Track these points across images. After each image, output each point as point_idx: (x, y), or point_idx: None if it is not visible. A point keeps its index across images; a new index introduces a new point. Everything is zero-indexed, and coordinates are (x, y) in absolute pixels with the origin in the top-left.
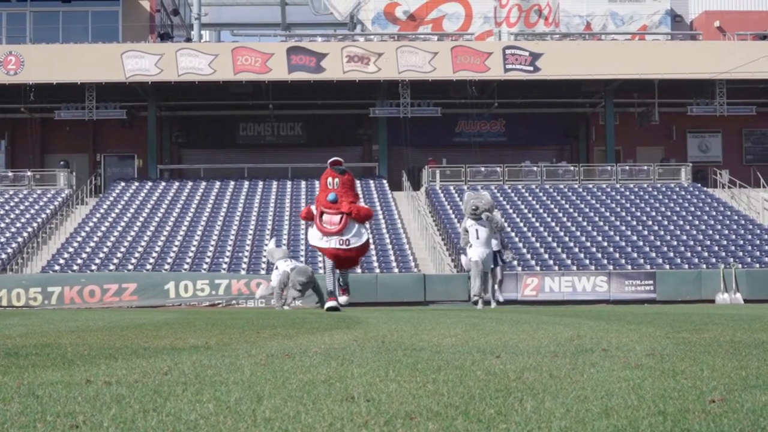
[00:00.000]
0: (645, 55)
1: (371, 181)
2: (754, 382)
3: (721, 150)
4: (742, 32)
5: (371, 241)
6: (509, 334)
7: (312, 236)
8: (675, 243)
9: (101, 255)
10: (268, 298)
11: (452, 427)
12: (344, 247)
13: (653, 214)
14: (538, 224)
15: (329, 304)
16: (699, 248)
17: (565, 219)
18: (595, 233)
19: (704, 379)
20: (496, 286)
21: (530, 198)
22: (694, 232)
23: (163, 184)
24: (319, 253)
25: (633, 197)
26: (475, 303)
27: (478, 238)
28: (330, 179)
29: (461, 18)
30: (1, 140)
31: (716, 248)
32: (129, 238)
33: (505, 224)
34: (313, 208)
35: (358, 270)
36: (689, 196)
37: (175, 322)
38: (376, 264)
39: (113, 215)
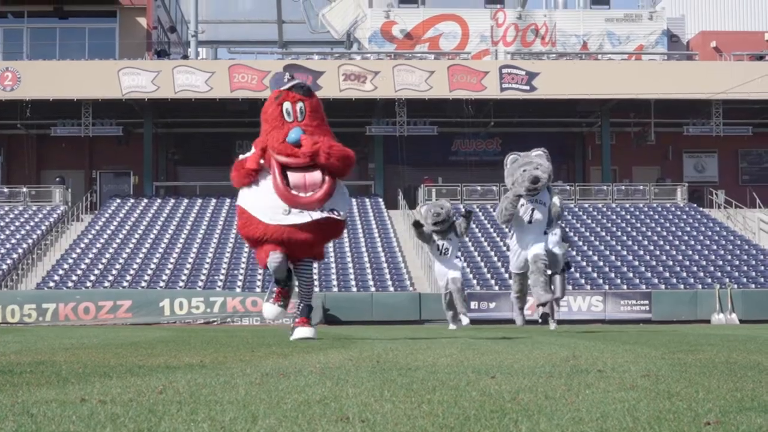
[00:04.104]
0: (641, 75)
1: (367, 200)
2: (749, 404)
3: (717, 170)
4: (739, 52)
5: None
6: (504, 353)
7: (260, 208)
8: (671, 263)
9: (96, 272)
10: None
11: None
12: (335, 215)
13: (649, 233)
14: None
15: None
16: (695, 268)
17: None
18: (590, 253)
19: (699, 401)
20: (554, 305)
21: None
22: (690, 252)
23: (159, 201)
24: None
25: (629, 217)
26: (544, 319)
27: (531, 221)
28: (288, 105)
29: (458, 37)
30: None
31: (712, 268)
32: (124, 255)
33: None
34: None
35: (354, 288)
36: (685, 216)
37: (170, 339)
38: (371, 282)
39: (108, 232)
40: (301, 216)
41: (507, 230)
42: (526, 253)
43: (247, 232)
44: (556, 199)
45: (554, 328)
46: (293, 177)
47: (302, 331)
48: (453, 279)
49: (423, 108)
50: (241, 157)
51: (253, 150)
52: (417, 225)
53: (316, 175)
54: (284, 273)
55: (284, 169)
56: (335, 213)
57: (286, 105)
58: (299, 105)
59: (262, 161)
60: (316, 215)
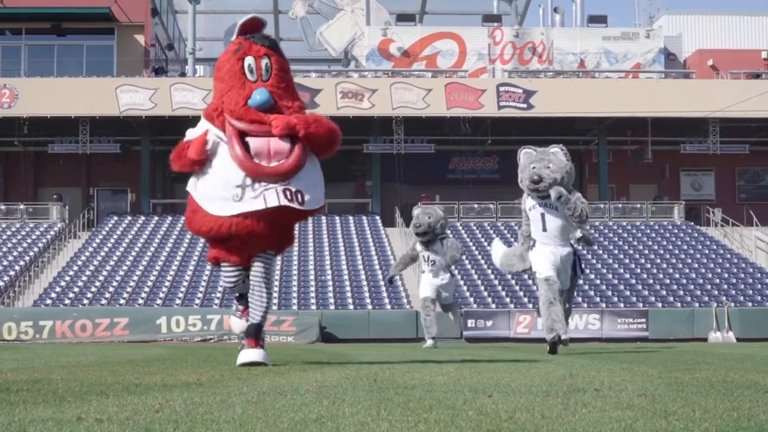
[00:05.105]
0: (638, 93)
1: (364, 218)
2: (746, 423)
3: (714, 188)
4: (735, 71)
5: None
6: (501, 372)
7: (210, 196)
8: (667, 281)
9: (93, 289)
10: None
11: None
12: (297, 206)
13: (646, 252)
14: None
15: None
16: (691, 286)
17: None
18: (587, 271)
19: (696, 421)
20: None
21: None
22: (687, 271)
23: (156, 218)
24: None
25: (626, 235)
26: (553, 347)
27: (545, 230)
28: (251, 61)
29: (455, 55)
30: None
31: (709, 287)
32: (121, 273)
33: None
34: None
35: (350, 306)
36: (682, 235)
37: (166, 357)
38: (368, 300)
39: (105, 249)
40: (255, 202)
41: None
42: (549, 255)
43: (193, 226)
44: (578, 198)
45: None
46: (254, 142)
47: (250, 354)
48: (424, 298)
49: (420, 126)
50: (187, 136)
51: (199, 129)
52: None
53: (282, 143)
54: (243, 289)
55: (243, 135)
56: (297, 196)
57: (249, 60)
58: (264, 61)
59: (209, 148)
60: (272, 201)
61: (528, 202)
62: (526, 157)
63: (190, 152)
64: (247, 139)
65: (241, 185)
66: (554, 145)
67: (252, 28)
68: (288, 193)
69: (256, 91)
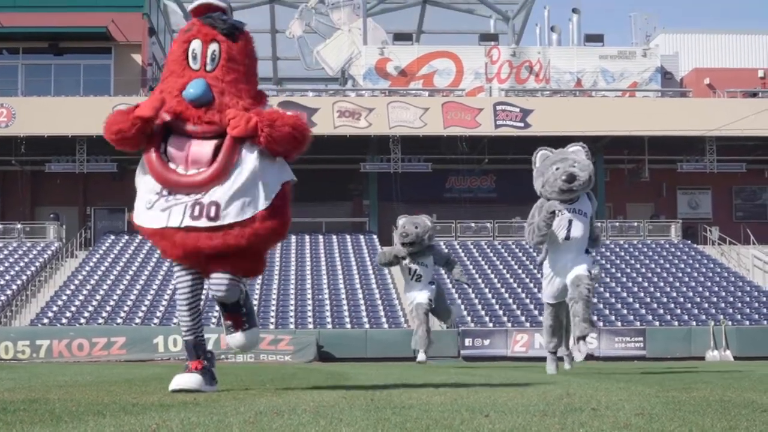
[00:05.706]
0: (635, 112)
1: (361, 236)
2: None
3: (711, 207)
4: (732, 89)
5: (289, 212)
6: (499, 391)
7: (141, 200)
8: (665, 300)
9: (90, 308)
10: None
11: None
12: (205, 223)
13: (643, 270)
14: (528, 280)
15: (178, 381)
16: (689, 305)
17: None
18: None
19: None
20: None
21: (520, 254)
22: (684, 289)
23: None
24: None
25: (623, 254)
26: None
27: (568, 237)
28: (197, 46)
29: (452, 74)
30: None
31: (706, 305)
32: (118, 292)
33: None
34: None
35: (348, 325)
36: (679, 253)
37: (163, 376)
38: (365, 319)
39: (102, 269)
40: (158, 217)
41: (534, 252)
42: (562, 279)
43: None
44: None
45: (569, 368)
46: (173, 143)
47: (236, 339)
48: (417, 305)
49: (417, 145)
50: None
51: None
52: (388, 263)
53: (205, 148)
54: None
55: (170, 132)
56: (209, 213)
57: (194, 44)
58: (212, 47)
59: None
60: (175, 220)
61: (554, 204)
62: (544, 158)
63: (140, 109)
64: (170, 138)
65: (158, 192)
66: (574, 144)
67: (207, 8)
68: (197, 208)
69: (191, 83)
